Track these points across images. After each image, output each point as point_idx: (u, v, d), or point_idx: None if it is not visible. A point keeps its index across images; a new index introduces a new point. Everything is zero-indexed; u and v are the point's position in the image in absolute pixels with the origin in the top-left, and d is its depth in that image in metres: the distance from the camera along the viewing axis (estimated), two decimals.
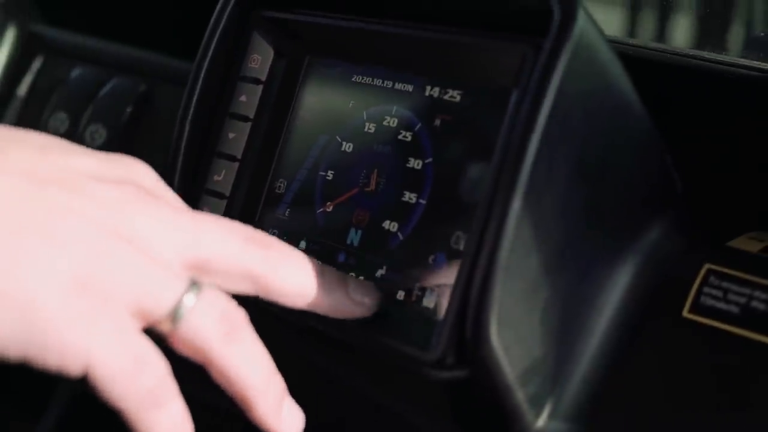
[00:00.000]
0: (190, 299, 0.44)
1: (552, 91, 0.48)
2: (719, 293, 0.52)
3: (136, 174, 0.47)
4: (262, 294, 0.48)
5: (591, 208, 0.51)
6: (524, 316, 0.49)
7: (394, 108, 0.58)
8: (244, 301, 0.47)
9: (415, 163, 0.56)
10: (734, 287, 0.52)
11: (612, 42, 0.61)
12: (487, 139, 0.52)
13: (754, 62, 0.58)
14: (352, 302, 0.52)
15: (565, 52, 0.48)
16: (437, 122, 0.56)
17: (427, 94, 0.56)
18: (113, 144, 0.72)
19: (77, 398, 0.84)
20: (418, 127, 0.56)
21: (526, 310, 0.49)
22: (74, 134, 0.74)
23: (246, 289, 0.48)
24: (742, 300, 0.51)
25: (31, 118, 0.78)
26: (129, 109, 0.73)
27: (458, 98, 0.55)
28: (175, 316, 0.44)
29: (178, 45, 0.76)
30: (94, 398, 0.43)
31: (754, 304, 0.51)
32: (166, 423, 0.43)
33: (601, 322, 0.52)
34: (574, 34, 0.48)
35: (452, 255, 0.53)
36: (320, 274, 0.50)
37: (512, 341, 0.49)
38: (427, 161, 0.55)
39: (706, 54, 0.60)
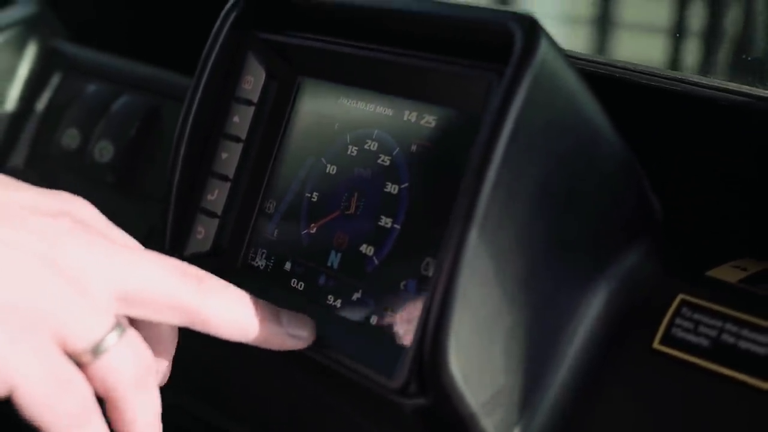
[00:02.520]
0: (112, 338, 0.46)
1: (511, 120, 0.47)
2: (690, 325, 0.51)
3: (73, 207, 0.49)
4: (195, 326, 0.50)
5: (557, 237, 0.50)
6: (486, 344, 0.49)
7: (375, 132, 0.58)
8: None
9: (391, 188, 0.56)
10: (706, 319, 0.50)
11: (590, 62, 0.61)
12: (458, 166, 0.52)
13: (739, 86, 0.57)
14: (286, 334, 0.53)
15: (525, 81, 0.47)
16: (413, 147, 0.56)
17: (405, 118, 0.56)
18: (119, 160, 0.74)
19: None
20: (395, 151, 0.56)
21: (487, 338, 0.49)
22: (84, 150, 0.76)
23: (178, 321, 0.49)
24: (713, 333, 0.50)
25: (46, 134, 0.80)
26: (136, 127, 0.74)
27: (433, 123, 0.55)
28: (95, 351, 0.45)
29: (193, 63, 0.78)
30: None
31: (725, 337, 0.50)
32: None
33: (570, 351, 0.52)
34: (535, 62, 0.48)
35: (422, 281, 0.53)
36: (253, 308, 0.51)
37: (473, 370, 0.49)
38: (402, 186, 0.55)
39: (689, 77, 0.58)
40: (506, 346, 0.50)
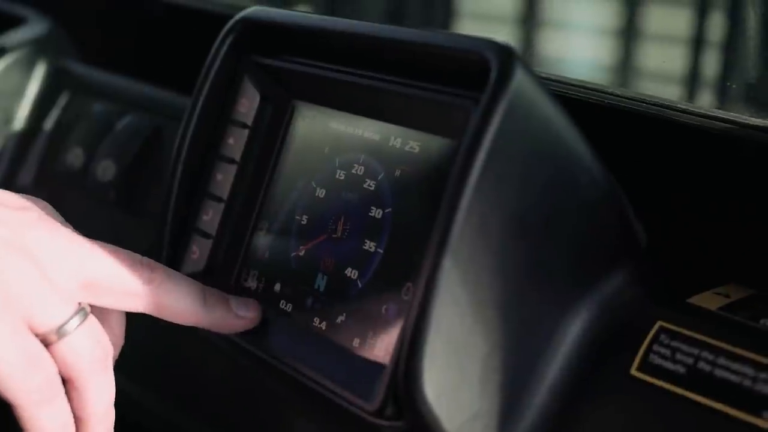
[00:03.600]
0: (75, 322, 0.50)
1: (484, 149, 0.48)
2: (667, 352, 0.51)
3: (36, 204, 0.54)
4: (151, 312, 0.55)
5: (535, 264, 0.51)
6: (461, 369, 0.49)
7: (362, 156, 0.58)
8: None
9: (376, 212, 0.57)
10: (683, 347, 0.51)
11: (574, 88, 0.61)
12: (439, 192, 0.53)
13: (725, 114, 0.57)
14: (235, 317, 0.58)
15: (499, 110, 0.48)
16: (398, 173, 0.56)
17: (390, 144, 0.57)
18: (121, 179, 0.75)
19: None
20: (381, 176, 0.57)
21: (462, 363, 0.49)
22: (88, 169, 0.77)
23: (136, 307, 0.54)
24: (689, 360, 0.50)
25: (53, 152, 0.82)
26: (138, 146, 0.76)
27: (417, 149, 0.56)
28: (60, 332, 0.50)
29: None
30: None
31: (701, 365, 0.50)
32: (54, 420, 0.50)
33: (547, 376, 0.52)
34: (509, 91, 0.48)
35: (402, 306, 0.54)
36: (202, 294, 0.56)
37: (448, 394, 0.49)
38: (386, 211, 0.56)
39: (676, 103, 0.58)
40: (482, 371, 0.50)
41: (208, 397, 0.70)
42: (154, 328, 0.69)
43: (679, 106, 0.59)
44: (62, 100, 0.84)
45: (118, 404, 0.54)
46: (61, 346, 0.50)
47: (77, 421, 0.52)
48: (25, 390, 0.48)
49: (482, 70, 0.50)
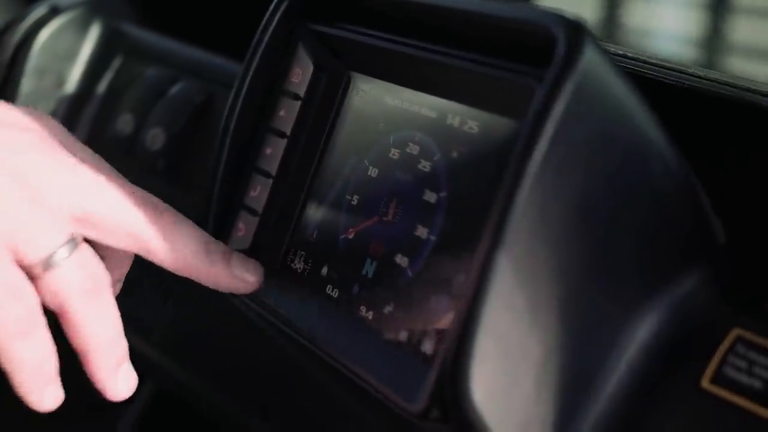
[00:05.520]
0: (63, 253, 0.46)
1: (548, 133, 0.43)
2: (744, 364, 0.46)
3: (44, 123, 0.49)
4: (145, 255, 0.50)
5: (599, 262, 0.46)
6: (514, 373, 0.45)
7: (418, 135, 0.54)
8: None
9: (430, 196, 0.52)
10: (761, 359, 0.46)
11: (652, 65, 0.56)
12: (498, 178, 0.48)
13: None
14: (233, 276, 0.54)
15: (565, 90, 0.43)
16: (455, 154, 0.52)
17: (448, 122, 0.53)
18: (170, 148, 0.72)
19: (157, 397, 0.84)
20: (436, 157, 0.53)
21: (515, 367, 0.45)
22: (137, 137, 0.74)
23: (129, 247, 0.50)
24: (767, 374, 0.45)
25: (104, 117, 0.79)
26: (189, 114, 0.72)
27: (476, 130, 0.51)
28: (46, 264, 0.46)
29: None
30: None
31: None
32: (33, 354, 0.46)
33: (609, 385, 0.48)
34: (577, 70, 0.43)
35: (454, 300, 0.49)
36: (205, 246, 0.52)
37: (499, 399, 0.45)
38: (441, 195, 0.52)
39: (763, 87, 0.53)
40: (537, 375, 0.46)
41: (248, 380, 0.67)
42: (200, 310, 0.66)
43: (766, 89, 0.53)
44: (115, 64, 0.80)
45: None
46: (47, 279, 0.46)
47: (80, 354, 0.48)
48: (3, 321, 0.45)
49: (549, 45, 0.45)
